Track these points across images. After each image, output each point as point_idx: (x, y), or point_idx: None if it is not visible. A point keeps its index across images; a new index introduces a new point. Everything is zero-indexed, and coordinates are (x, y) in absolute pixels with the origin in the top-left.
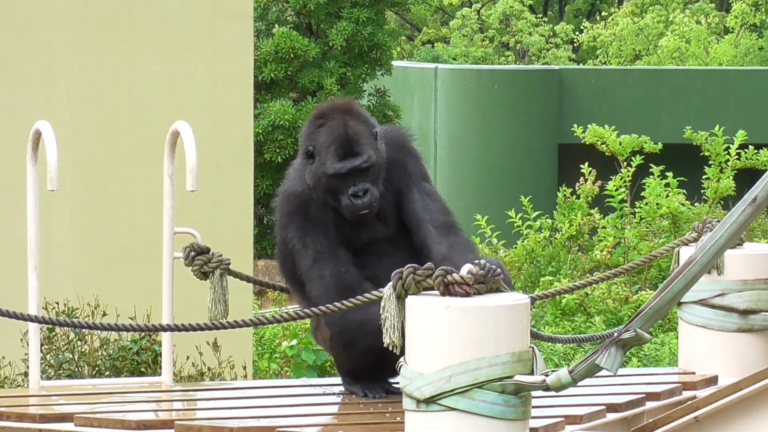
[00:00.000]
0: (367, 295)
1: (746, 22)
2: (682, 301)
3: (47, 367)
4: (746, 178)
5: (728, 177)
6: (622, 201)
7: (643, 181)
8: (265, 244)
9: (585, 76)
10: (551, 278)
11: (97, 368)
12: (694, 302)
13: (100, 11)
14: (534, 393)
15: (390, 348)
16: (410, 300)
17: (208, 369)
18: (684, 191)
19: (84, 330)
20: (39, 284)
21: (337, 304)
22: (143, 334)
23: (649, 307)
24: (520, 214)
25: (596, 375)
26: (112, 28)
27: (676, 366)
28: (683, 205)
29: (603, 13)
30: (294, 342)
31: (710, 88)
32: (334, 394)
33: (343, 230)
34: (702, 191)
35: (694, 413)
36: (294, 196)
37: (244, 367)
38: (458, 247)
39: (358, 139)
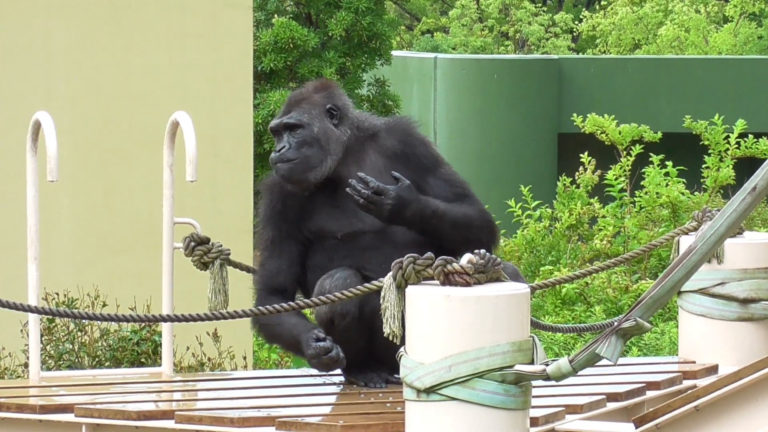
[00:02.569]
0: (367, 285)
1: (745, 11)
2: (682, 290)
3: (47, 358)
4: (746, 166)
5: (728, 166)
6: (622, 190)
7: (643, 170)
8: None
9: (584, 66)
10: (551, 268)
11: (97, 359)
12: (694, 291)
13: (99, 1)
14: (534, 382)
15: (390, 338)
16: (410, 290)
17: (208, 359)
18: (684, 180)
19: (84, 320)
20: (39, 275)
21: (329, 296)
22: (143, 324)
23: (649, 297)
24: (519, 204)
25: (596, 364)
26: (111, 18)
27: (677, 355)
28: (683, 194)
29: (602, 3)
30: None
31: (710, 77)
32: (334, 384)
33: (322, 218)
34: (702, 180)
35: (694, 402)
36: (272, 176)
37: (245, 358)
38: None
39: (300, 102)
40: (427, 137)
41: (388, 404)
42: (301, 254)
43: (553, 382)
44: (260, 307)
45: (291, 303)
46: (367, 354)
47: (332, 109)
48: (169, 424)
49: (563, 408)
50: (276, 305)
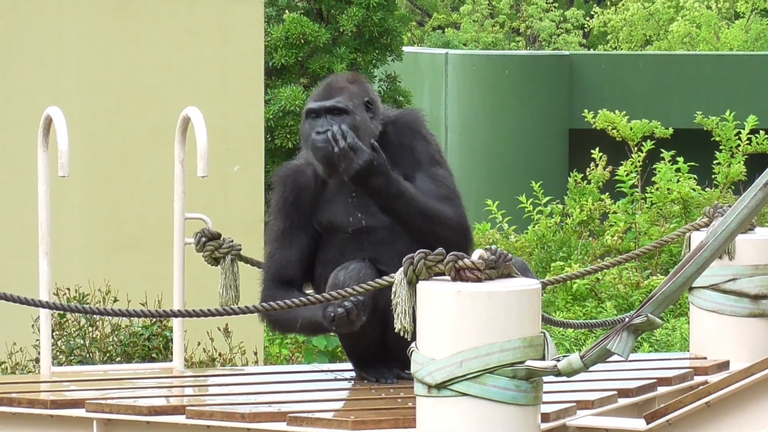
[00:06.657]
0: (378, 280)
1: (757, 7)
2: (693, 286)
3: (58, 353)
4: (757, 162)
5: (739, 162)
6: (633, 186)
7: (654, 166)
8: None
9: (596, 62)
10: (562, 263)
11: (108, 354)
12: (705, 287)
13: None
14: (545, 378)
15: (401, 334)
16: (421, 285)
17: (219, 355)
18: (695, 176)
19: (95, 316)
20: (50, 270)
21: (341, 291)
22: (154, 319)
23: (661, 293)
24: (530, 200)
25: (607, 360)
26: (121, 13)
27: (688, 351)
28: (694, 190)
29: None
30: None
31: (721, 73)
32: (345, 379)
33: (333, 212)
34: (713, 176)
35: (705, 398)
36: (285, 167)
37: (255, 353)
38: None
39: (340, 88)
40: (432, 134)
41: (399, 399)
42: (311, 247)
43: (564, 378)
44: (272, 303)
45: (302, 298)
46: (379, 349)
47: (369, 103)
48: (180, 419)
49: (574, 404)
50: (288, 300)
